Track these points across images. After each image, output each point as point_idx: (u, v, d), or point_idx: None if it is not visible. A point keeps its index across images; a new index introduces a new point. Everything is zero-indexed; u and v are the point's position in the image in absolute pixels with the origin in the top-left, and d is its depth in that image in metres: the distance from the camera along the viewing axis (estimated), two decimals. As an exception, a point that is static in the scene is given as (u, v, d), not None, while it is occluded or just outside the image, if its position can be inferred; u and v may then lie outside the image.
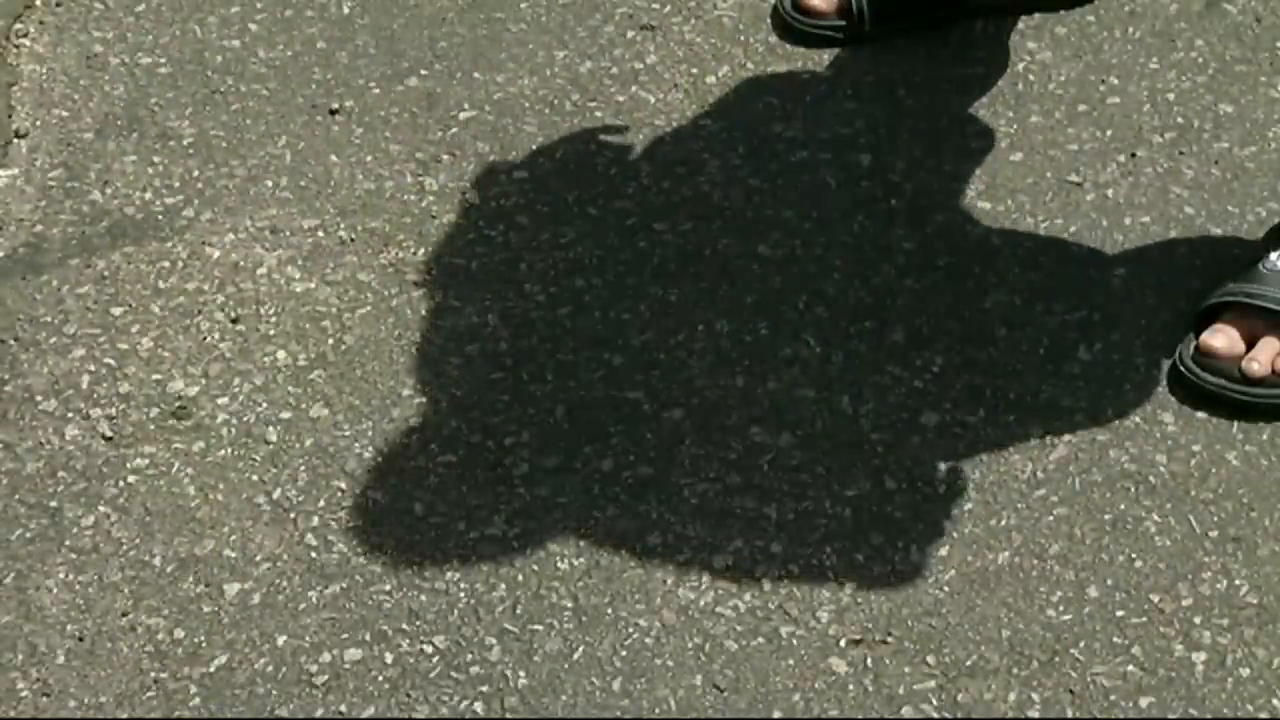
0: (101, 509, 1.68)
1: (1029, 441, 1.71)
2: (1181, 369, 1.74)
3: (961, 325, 1.81)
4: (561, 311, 1.84)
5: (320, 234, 1.93)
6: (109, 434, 1.74)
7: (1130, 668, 1.54)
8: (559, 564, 1.63)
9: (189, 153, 2.02)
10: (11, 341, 1.83)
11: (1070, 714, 1.51)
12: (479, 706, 1.53)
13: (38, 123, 2.06)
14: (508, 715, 1.52)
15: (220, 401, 1.77)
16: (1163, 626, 1.57)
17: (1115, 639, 1.56)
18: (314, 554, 1.64)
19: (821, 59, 2.11)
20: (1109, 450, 1.70)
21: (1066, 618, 1.57)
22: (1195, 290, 1.83)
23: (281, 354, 1.81)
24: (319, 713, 1.53)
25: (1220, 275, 1.81)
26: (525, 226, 1.93)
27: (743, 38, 2.14)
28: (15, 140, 2.04)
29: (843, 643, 1.56)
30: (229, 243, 1.92)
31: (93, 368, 1.80)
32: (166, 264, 1.90)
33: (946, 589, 1.60)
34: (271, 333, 1.83)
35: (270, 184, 1.99)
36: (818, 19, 2.13)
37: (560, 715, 1.52)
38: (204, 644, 1.58)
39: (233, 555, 1.64)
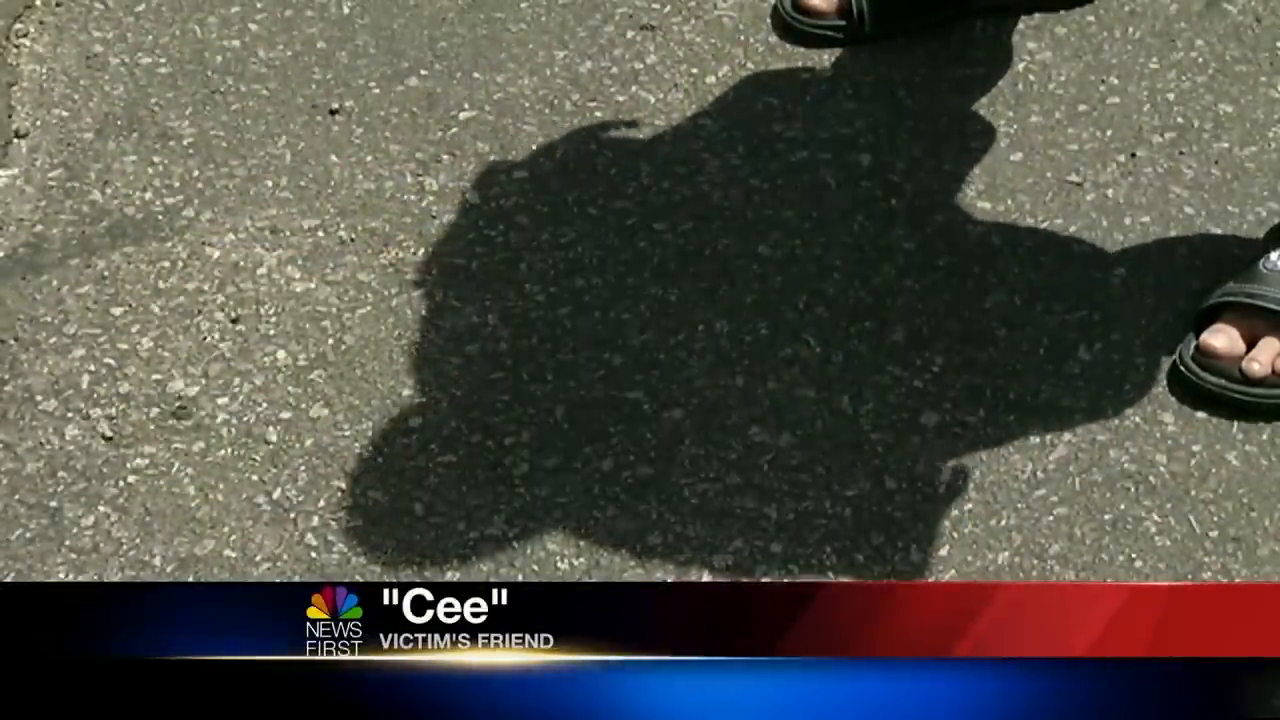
0: (101, 509, 1.68)
1: (1029, 441, 1.71)
2: (1181, 369, 1.74)
3: (961, 325, 1.81)
4: (561, 311, 1.84)
5: (320, 234, 1.93)
6: (109, 434, 1.74)
7: (1130, 668, 1.54)
8: (559, 564, 1.63)
9: (189, 153, 2.02)
10: (11, 341, 1.83)
11: (1070, 714, 1.51)
12: (479, 706, 1.53)
13: (38, 123, 2.06)
14: (508, 715, 1.52)
15: (220, 401, 1.77)
16: (1163, 626, 1.57)
17: (1115, 639, 1.56)
18: (314, 554, 1.64)
19: (821, 59, 2.11)
20: (1109, 450, 1.70)
21: (1066, 618, 1.57)
22: (1195, 290, 1.83)
23: (281, 354, 1.81)
24: (319, 713, 1.53)
25: (1220, 275, 1.81)
26: (525, 226, 1.93)
27: (743, 38, 2.14)
28: (15, 140, 2.04)
29: (843, 643, 1.56)
30: (229, 243, 1.92)
31: (93, 368, 1.80)
32: (166, 264, 1.90)
33: (946, 589, 1.60)
34: (271, 333, 1.83)
35: (270, 184, 1.99)
36: (818, 19, 2.13)
37: (560, 715, 1.53)
38: (204, 644, 1.58)
39: (233, 555, 1.64)
